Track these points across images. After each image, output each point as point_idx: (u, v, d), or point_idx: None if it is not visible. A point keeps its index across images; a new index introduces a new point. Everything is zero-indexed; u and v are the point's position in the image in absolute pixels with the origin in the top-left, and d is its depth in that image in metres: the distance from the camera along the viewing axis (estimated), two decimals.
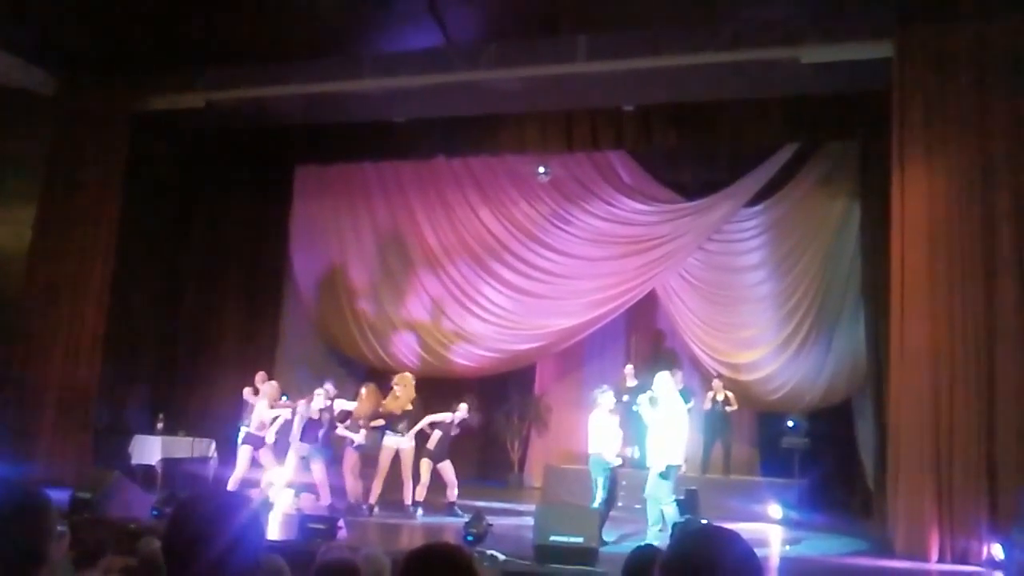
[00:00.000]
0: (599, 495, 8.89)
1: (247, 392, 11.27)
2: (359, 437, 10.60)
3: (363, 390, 11.02)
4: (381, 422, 10.66)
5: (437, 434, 10.55)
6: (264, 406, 10.50)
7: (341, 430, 10.68)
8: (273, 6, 10.38)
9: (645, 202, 13.64)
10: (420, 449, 10.63)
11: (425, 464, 10.53)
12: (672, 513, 8.42)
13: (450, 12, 10.01)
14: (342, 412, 10.78)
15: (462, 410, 10.71)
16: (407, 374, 11.03)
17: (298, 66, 11.53)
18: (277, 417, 10.53)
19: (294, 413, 10.52)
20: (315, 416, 10.45)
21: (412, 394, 10.64)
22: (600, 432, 9.00)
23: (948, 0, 9.38)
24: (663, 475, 8.51)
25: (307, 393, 10.76)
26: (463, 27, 10.52)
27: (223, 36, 10.96)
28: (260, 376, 11.34)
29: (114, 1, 10.39)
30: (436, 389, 14.02)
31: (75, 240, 11.82)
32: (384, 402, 10.69)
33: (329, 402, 10.58)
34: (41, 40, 11.32)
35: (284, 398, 10.79)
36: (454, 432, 10.68)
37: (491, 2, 10.36)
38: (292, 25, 10.64)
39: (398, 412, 10.49)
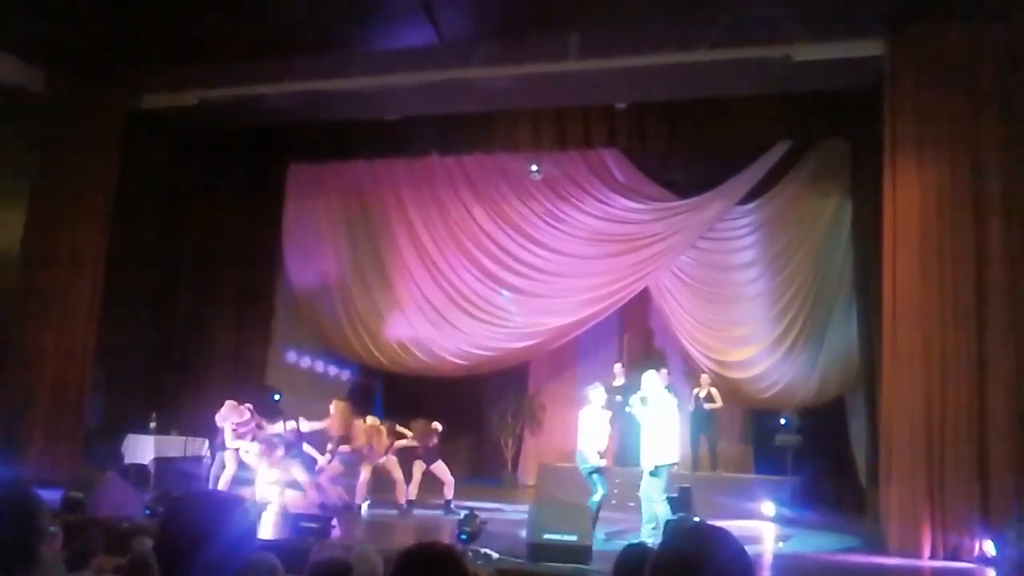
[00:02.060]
0: (599, 490, 8.91)
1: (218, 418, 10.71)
2: (322, 461, 10.58)
3: (332, 407, 10.94)
4: (348, 449, 10.64)
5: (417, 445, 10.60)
6: (228, 434, 10.45)
7: (307, 448, 10.65)
8: (265, 4, 10.36)
9: (638, 200, 13.65)
10: (411, 451, 10.66)
11: (418, 464, 10.56)
12: (664, 511, 8.44)
13: (443, 10, 10.00)
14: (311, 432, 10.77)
15: (428, 429, 10.66)
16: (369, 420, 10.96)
17: (291, 64, 11.51)
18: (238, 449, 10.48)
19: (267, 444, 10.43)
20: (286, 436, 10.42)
21: (377, 427, 10.66)
22: (587, 429, 9.05)
23: None
24: (654, 473, 8.53)
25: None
26: (456, 25, 10.51)
27: (215, 34, 10.92)
28: (227, 404, 10.76)
29: None
30: (433, 387, 14.10)
31: (67, 239, 11.77)
32: (356, 433, 10.65)
33: (293, 428, 10.51)
34: (33, 38, 11.27)
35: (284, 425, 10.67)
36: (432, 444, 10.66)
37: (484, 0, 10.35)
38: (284, 23, 10.61)
39: (364, 449, 10.50)
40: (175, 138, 13.26)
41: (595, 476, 8.93)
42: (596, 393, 9.23)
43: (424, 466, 10.54)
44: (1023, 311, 8.61)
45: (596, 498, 8.83)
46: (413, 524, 9.96)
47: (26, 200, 11.89)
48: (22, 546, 2.01)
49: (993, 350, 8.61)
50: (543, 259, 14.00)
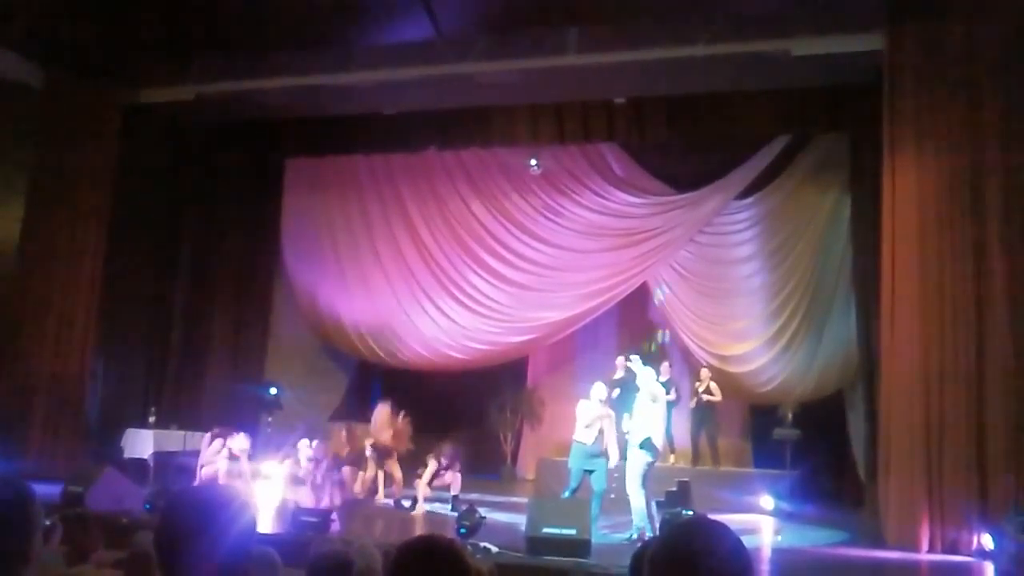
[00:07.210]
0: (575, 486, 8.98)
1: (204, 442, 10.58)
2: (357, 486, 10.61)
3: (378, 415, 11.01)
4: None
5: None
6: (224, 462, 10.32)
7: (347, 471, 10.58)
8: None
9: (636, 194, 13.65)
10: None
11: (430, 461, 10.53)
12: (639, 505, 8.36)
13: (441, 4, 9.99)
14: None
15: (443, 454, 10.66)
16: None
17: (289, 58, 11.49)
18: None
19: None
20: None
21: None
22: (583, 420, 9.07)
23: None
24: (635, 466, 8.51)
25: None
26: (454, 19, 10.50)
27: (213, 28, 10.92)
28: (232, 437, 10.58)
29: None
30: (431, 381, 14.12)
31: (65, 234, 11.77)
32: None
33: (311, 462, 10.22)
34: (30, 32, 11.25)
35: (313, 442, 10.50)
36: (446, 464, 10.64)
37: None
38: (283, 17, 10.60)
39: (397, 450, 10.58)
40: (173, 132, 13.25)
41: (576, 471, 8.94)
42: (596, 388, 9.20)
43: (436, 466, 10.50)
44: (1022, 305, 8.61)
45: (566, 494, 8.84)
46: (413, 518, 9.96)
47: (24, 195, 11.88)
48: (14, 543, 1.99)
49: (991, 344, 8.61)
50: (542, 253, 14.00)
